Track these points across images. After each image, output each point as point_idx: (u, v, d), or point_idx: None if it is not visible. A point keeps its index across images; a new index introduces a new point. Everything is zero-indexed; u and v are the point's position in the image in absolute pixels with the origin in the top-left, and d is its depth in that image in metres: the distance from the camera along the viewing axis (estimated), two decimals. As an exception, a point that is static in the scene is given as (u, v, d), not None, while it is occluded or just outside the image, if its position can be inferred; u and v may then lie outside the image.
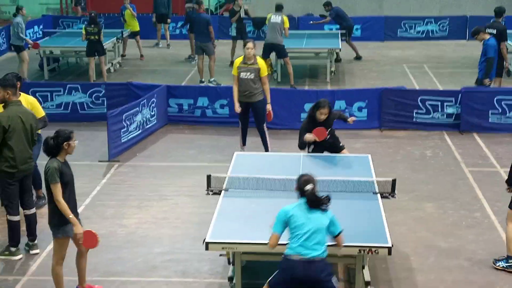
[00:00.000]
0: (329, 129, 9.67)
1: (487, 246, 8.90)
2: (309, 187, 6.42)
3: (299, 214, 6.37)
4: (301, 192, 6.49)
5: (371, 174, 8.72)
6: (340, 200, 7.87)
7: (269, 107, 11.92)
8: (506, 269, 8.24)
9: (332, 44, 18.22)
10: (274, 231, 6.40)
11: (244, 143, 12.07)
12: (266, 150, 11.94)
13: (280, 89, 14.73)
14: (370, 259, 8.03)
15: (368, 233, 7.12)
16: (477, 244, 8.97)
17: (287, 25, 16.69)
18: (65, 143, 7.17)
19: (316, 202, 6.39)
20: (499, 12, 15.34)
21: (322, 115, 9.49)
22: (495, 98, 13.52)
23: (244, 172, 8.52)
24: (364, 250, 6.85)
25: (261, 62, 11.78)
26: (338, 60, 19.22)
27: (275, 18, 16.58)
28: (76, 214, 7.42)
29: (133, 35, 20.39)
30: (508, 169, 8.37)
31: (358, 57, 20.01)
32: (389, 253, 6.85)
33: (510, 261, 8.23)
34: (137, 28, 20.49)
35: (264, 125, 12.01)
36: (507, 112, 13.47)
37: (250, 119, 12.04)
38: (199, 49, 17.22)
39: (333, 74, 17.98)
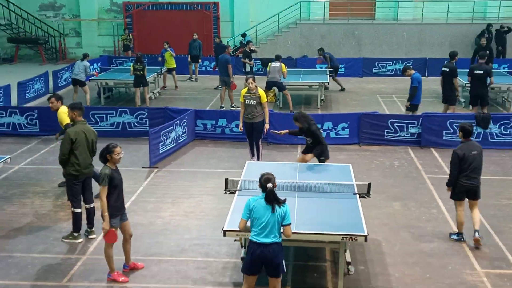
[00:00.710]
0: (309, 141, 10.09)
1: (441, 236, 8.83)
2: (269, 185, 6.27)
3: (259, 206, 6.27)
4: (263, 188, 6.33)
5: (351, 179, 8.69)
6: (327, 199, 7.88)
7: (267, 126, 11.92)
8: (457, 240, 8.59)
9: (322, 79, 18.22)
10: (242, 217, 6.38)
11: (252, 154, 12.06)
12: (258, 159, 11.93)
13: (281, 113, 14.70)
14: (351, 245, 8.00)
15: (349, 224, 7.09)
16: (433, 234, 8.91)
17: (284, 70, 16.92)
18: (108, 155, 7.21)
19: (272, 199, 6.25)
20: (452, 55, 15.27)
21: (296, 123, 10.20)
22: (448, 121, 13.46)
23: (254, 177, 8.49)
24: (346, 238, 6.83)
25: (261, 92, 11.85)
26: (326, 88, 19.32)
27: (275, 64, 16.86)
28: (123, 209, 7.44)
29: (170, 70, 20.51)
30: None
31: (342, 89, 19.99)
32: (365, 240, 6.82)
33: (459, 236, 8.62)
34: (174, 66, 20.64)
35: (260, 140, 12.03)
36: (457, 132, 13.38)
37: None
38: (222, 81, 17.37)
39: (322, 101, 17.96)
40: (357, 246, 8.31)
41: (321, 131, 11.11)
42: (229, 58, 17.75)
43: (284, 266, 6.37)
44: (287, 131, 10.94)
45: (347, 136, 13.87)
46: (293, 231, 6.51)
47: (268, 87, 16.86)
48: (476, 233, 8.40)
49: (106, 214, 7.15)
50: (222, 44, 21.69)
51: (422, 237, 8.78)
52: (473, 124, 13.38)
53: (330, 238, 6.97)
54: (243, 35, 23.87)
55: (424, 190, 10.79)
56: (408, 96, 14.32)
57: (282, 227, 6.32)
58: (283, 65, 17.02)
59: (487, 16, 25.20)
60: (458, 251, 8.31)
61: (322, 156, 10.09)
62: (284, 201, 6.34)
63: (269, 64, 17.23)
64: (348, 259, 7.67)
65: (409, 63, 22.13)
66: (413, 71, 14.30)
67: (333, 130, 13.87)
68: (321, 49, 20.36)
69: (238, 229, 6.52)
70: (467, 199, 8.59)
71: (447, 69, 14.85)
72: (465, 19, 25.34)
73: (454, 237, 8.69)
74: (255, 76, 12.15)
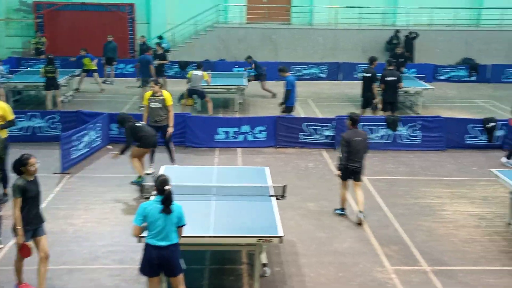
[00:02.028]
0: None
1: (353, 235, 9.11)
2: (167, 187, 6.20)
3: (154, 211, 6.21)
4: (159, 191, 6.25)
5: (267, 182, 8.79)
6: (244, 202, 7.92)
7: (171, 129, 11.79)
8: (340, 215, 9.73)
9: (239, 82, 18.37)
10: (134, 223, 6.32)
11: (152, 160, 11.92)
12: (173, 161, 11.85)
13: (199, 116, 14.68)
14: (267, 246, 8.07)
15: (264, 226, 7.16)
16: (347, 234, 9.17)
17: (207, 77, 16.78)
18: (22, 167, 6.87)
19: (170, 201, 6.21)
20: (371, 60, 15.73)
21: None
22: (359, 124, 13.84)
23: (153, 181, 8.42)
24: (261, 240, 6.89)
25: (166, 94, 11.77)
26: (274, 96, 19.49)
27: (196, 72, 16.76)
28: (38, 223, 7.02)
29: (91, 72, 20.19)
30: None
31: (274, 95, 19.90)
32: (281, 241, 6.91)
33: (342, 210, 9.78)
34: (95, 67, 20.30)
35: (171, 142, 11.96)
36: (371, 134, 13.87)
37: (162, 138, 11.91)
38: (144, 81, 17.40)
39: (240, 105, 18.07)
40: (273, 247, 8.41)
41: (143, 132, 10.80)
42: (150, 58, 17.79)
43: (182, 265, 6.36)
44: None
45: (265, 139, 14.03)
46: (210, 235, 6.49)
47: (189, 95, 16.80)
48: (360, 214, 9.39)
49: (19, 227, 6.76)
50: (146, 44, 21.51)
51: (336, 237, 9.02)
52: (384, 127, 13.97)
53: (246, 240, 7.01)
54: (160, 37, 23.61)
55: (337, 191, 11.06)
56: (284, 99, 14.61)
57: (176, 228, 6.29)
58: (204, 73, 16.92)
59: (397, 23, 26.31)
60: (369, 249, 8.60)
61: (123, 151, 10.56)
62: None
63: (190, 72, 17.15)
64: (264, 261, 7.75)
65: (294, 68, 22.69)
66: (288, 74, 14.68)
67: (250, 133, 13.98)
68: (249, 56, 20.51)
69: (133, 236, 6.46)
70: (352, 181, 9.66)
71: (368, 75, 15.30)
72: (376, 25, 26.32)
73: (338, 211, 9.81)
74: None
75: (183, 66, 23.23)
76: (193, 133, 13.78)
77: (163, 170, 9.20)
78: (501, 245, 8.79)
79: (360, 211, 9.44)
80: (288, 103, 14.61)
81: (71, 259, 8.06)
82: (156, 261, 6.23)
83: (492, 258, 8.36)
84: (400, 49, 22.58)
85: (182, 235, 6.36)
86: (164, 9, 26.14)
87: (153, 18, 26.19)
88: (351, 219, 9.73)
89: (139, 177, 10.94)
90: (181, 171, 9.71)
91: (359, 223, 9.41)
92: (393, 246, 8.71)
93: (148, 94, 11.78)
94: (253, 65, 19.99)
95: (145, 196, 8.04)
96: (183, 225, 6.32)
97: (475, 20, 26.95)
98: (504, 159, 12.84)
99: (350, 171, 9.54)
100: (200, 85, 16.63)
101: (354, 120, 9.58)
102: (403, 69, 21.17)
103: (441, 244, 8.83)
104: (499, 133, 14.05)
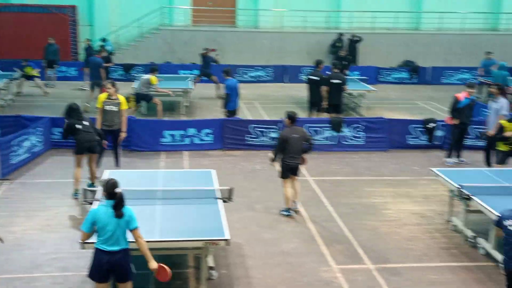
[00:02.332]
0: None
1: (300, 236, 9.20)
2: (118, 190, 6.13)
3: (104, 216, 6.13)
4: (109, 195, 6.16)
5: (214, 184, 8.77)
6: (190, 205, 7.87)
7: (124, 134, 11.63)
8: (287, 216, 9.88)
9: (184, 85, 18.27)
10: (83, 229, 6.23)
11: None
12: (118, 166, 11.71)
13: (145, 120, 14.49)
14: (213, 249, 8.04)
15: (211, 229, 7.14)
16: (293, 234, 9.25)
17: (154, 82, 16.51)
18: None
19: (121, 204, 6.13)
20: (317, 63, 15.91)
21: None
22: (304, 125, 13.99)
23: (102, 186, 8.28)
24: (208, 243, 6.87)
25: (121, 98, 11.60)
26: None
27: (145, 77, 16.52)
28: None
29: (33, 77, 19.69)
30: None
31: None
32: (227, 244, 6.92)
33: (288, 211, 9.92)
34: (37, 75, 19.86)
35: (119, 147, 11.82)
36: (316, 135, 14.06)
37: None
38: (93, 84, 17.23)
39: (186, 108, 17.96)
40: (220, 250, 8.39)
41: (78, 136, 10.51)
42: (101, 61, 17.56)
43: (133, 269, 6.28)
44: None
45: (212, 142, 13.99)
46: (155, 240, 6.43)
47: (138, 100, 16.55)
48: (295, 203, 9.96)
49: None
50: (92, 47, 21.15)
51: (283, 238, 9.08)
52: (328, 128, 14.17)
53: (192, 244, 6.97)
54: (103, 40, 23.20)
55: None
56: (224, 103, 14.78)
57: (130, 231, 6.21)
58: (152, 78, 16.69)
59: (340, 26, 26.77)
60: (315, 249, 8.70)
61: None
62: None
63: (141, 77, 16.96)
64: (211, 264, 7.72)
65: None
66: (228, 77, 14.71)
67: (197, 136, 13.91)
68: (206, 48, 20.70)
69: (81, 241, 6.37)
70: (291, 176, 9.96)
71: (316, 78, 15.45)
72: (320, 28, 26.70)
73: (284, 213, 9.94)
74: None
75: (128, 68, 22.96)
76: (138, 137, 13.59)
77: (107, 174, 9.04)
78: (442, 242, 9.06)
79: (294, 202, 10.00)
80: (228, 107, 14.62)
81: (11, 268, 7.80)
82: (107, 267, 6.13)
83: (434, 255, 8.61)
84: (344, 52, 23.00)
85: (141, 237, 6.25)
86: (108, 11, 25.71)
87: (96, 20, 25.71)
88: (297, 219, 9.82)
89: (91, 184, 10.63)
90: (125, 176, 9.55)
91: (296, 211, 9.96)
92: (338, 246, 8.84)
93: (103, 96, 11.49)
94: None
95: (87, 201, 7.87)
96: (136, 228, 6.23)
97: (415, 23, 27.75)
98: (447, 159, 13.24)
99: (289, 168, 9.86)
100: (144, 90, 16.41)
101: (292, 118, 9.89)
102: (347, 72, 21.53)
103: (385, 242, 9.02)
104: (439, 133, 14.48)
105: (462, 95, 12.95)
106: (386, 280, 7.79)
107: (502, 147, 10.93)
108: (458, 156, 13.27)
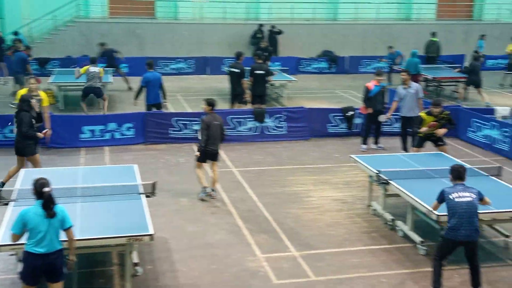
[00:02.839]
0: None
1: (225, 227, 9.23)
2: (46, 189, 5.97)
3: (34, 217, 5.93)
4: (39, 194, 5.99)
5: (136, 179, 8.62)
6: (112, 202, 7.70)
7: (49, 132, 11.22)
8: (206, 195, 10.25)
9: (104, 79, 17.74)
10: (13, 232, 6.01)
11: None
12: None
13: (62, 115, 14.02)
14: (138, 245, 7.92)
15: (134, 225, 7.02)
16: (218, 226, 9.27)
17: (102, 74, 16.16)
18: None
19: (51, 203, 5.96)
20: (238, 55, 15.85)
21: None
22: (228, 117, 14.04)
23: (31, 185, 7.96)
24: (131, 239, 6.76)
25: (43, 94, 11.16)
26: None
27: (94, 69, 15.92)
28: None
29: None
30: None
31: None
32: (151, 239, 6.83)
33: (205, 190, 10.27)
34: None
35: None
36: (239, 126, 14.12)
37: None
38: (17, 79, 16.86)
39: (104, 102, 17.49)
40: (145, 246, 8.27)
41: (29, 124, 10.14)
42: (26, 56, 16.96)
43: (64, 269, 6.11)
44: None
45: (133, 136, 13.74)
46: (77, 238, 6.26)
47: (85, 95, 15.85)
48: (211, 190, 10.29)
49: None
50: (3, 40, 20.26)
51: (208, 230, 9.08)
52: (251, 119, 14.26)
53: (115, 241, 6.83)
54: (16, 33, 22.18)
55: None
56: (135, 94, 14.63)
57: (64, 231, 6.05)
58: (101, 70, 16.16)
59: (260, 17, 26.95)
60: (241, 239, 8.76)
61: None
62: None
63: (85, 68, 16.14)
64: (136, 260, 7.60)
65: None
66: (150, 70, 14.35)
67: (117, 130, 13.62)
68: (102, 43, 20.34)
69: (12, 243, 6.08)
70: (210, 162, 10.36)
71: (237, 70, 15.41)
72: (240, 19, 26.76)
73: (202, 195, 10.25)
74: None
75: (43, 63, 22.10)
76: (56, 133, 13.06)
77: (23, 174, 8.70)
78: (363, 227, 9.36)
79: (212, 189, 10.32)
80: (147, 100, 14.34)
81: None
82: (41, 270, 5.94)
83: (355, 239, 8.87)
84: (265, 43, 23.17)
85: (73, 237, 6.11)
86: (19, 3, 24.59)
87: (7, 12, 24.55)
88: (222, 211, 9.84)
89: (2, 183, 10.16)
90: (44, 174, 9.22)
91: (211, 197, 10.28)
92: (263, 235, 8.94)
93: (22, 92, 10.97)
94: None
95: (2, 202, 7.53)
96: (70, 227, 6.07)
97: (332, 14, 28.38)
98: (362, 145, 13.65)
99: (209, 154, 10.17)
100: (98, 83, 15.84)
101: (211, 104, 10.13)
102: (268, 63, 21.70)
103: (308, 229, 9.21)
104: (357, 121, 14.91)
105: (371, 83, 13.36)
106: (310, 266, 7.96)
107: (421, 133, 11.39)
108: (376, 143, 13.72)
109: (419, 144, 11.27)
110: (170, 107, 17.22)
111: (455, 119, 14.41)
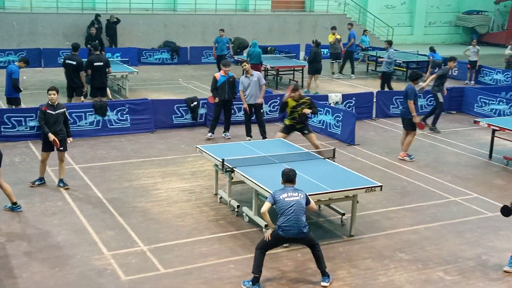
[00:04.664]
0: None
1: (68, 227, 8.83)
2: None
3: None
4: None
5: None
6: None
7: None
8: (40, 184, 10.44)
9: None
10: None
11: None
12: None
13: None
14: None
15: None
16: (61, 226, 8.84)
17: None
18: None
19: None
20: (75, 47, 15.05)
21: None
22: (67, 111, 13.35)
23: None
24: None
25: None
26: None
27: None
28: None
29: None
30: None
31: None
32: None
33: (41, 180, 10.46)
34: None
35: None
36: (79, 121, 13.55)
37: None
38: None
39: None
40: (-22, 254, 7.65)
41: None
42: None
43: None
44: None
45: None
46: None
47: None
48: (61, 182, 10.35)
49: None
50: None
51: (49, 231, 8.63)
52: (92, 113, 13.77)
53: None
54: None
55: (46, 179, 10.60)
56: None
57: None
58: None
59: (96, 7, 26.01)
60: (86, 239, 8.44)
61: None
62: None
63: None
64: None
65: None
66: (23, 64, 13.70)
67: None
68: None
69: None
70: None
71: (73, 62, 14.67)
72: (75, 9, 25.61)
73: (37, 182, 10.39)
74: None
75: None
76: None
77: None
78: (210, 215, 9.50)
79: (61, 179, 10.40)
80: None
81: None
82: None
83: (203, 228, 8.98)
84: (94, 29, 22.31)
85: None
86: None
87: None
88: (65, 211, 9.41)
89: None
90: None
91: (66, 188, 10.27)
92: (110, 232, 8.71)
93: None
94: None
95: None
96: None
97: (172, 4, 28.27)
98: (208, 134, 13.84)
99: (50, 144, 10.16)
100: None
101: (57, 91, 10.21)
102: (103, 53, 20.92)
103: (157, 222, 9.14)
104: (201, 111, 15.05)
105: (219, 74, 13.65)
106: (159, 259, 7.92)
107: (286, 121, 11.69)
108: (225, 131, 13.94)
109: (284, 131, 11.60)
110: (1, 103, 16.06)
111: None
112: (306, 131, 11.62)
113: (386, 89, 19.01)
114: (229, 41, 22.01)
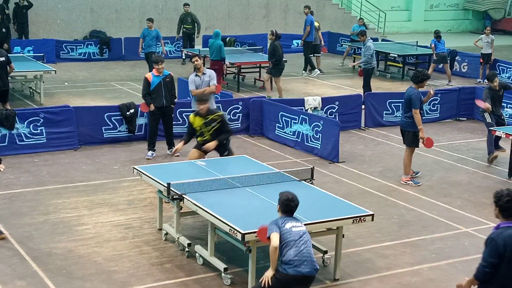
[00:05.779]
0: None
1: None
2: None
3: None
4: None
5: None
6: None
7: None
8: None
9: None
10: None
11: None
12: None
13: None
14: None
15: None
16: None
17: None
18: None
19: None
20: None
21: None
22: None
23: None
24: None
25: None
26: None
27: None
28: None
29: None
30: None
31: None
32: None
33: None
34: None
35: None
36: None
37: None
38: None
39: None
40: None
41: None
42: None
43: None
44: None
45: None
46: None
47: None
48: None
49: None
50: None
51: None
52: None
53: None
54: None
55: None
56: None
57: None
58: None
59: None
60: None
61: None
62: None
63: None
64: None
65: None
66: None
67: None
68: None
69: None
70: None
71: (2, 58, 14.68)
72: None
73: None
74: None
75: None
76: None
77: None
78: (153, 257, 9.46)
79: None
80: None
81: None
82: None
83: (144, 275, 8.93)
84: None
85: None
86: None
87: None
88: None
89: None
90: None
91: None
92: (19, 282, 8.60)
93: None
94: None
95: None
96: None
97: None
98: (148, 152, 13.79)
99: None
100: None
101: None
102: (6, 46, 20.68)
103: (82, 267, 9.06)
104: (140, 121, 14.98)
105: (151, 74, 13.52)
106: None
107: (199, 139, 11.64)
108: (169, 148, 13.84)
109: (198, 148, 11.52)
110: None
111: (257, 113, 15.33)
112: (226, 154, 11.54)
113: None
114: (160, 35, 21.46)
